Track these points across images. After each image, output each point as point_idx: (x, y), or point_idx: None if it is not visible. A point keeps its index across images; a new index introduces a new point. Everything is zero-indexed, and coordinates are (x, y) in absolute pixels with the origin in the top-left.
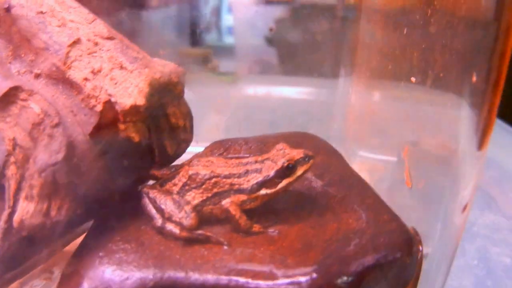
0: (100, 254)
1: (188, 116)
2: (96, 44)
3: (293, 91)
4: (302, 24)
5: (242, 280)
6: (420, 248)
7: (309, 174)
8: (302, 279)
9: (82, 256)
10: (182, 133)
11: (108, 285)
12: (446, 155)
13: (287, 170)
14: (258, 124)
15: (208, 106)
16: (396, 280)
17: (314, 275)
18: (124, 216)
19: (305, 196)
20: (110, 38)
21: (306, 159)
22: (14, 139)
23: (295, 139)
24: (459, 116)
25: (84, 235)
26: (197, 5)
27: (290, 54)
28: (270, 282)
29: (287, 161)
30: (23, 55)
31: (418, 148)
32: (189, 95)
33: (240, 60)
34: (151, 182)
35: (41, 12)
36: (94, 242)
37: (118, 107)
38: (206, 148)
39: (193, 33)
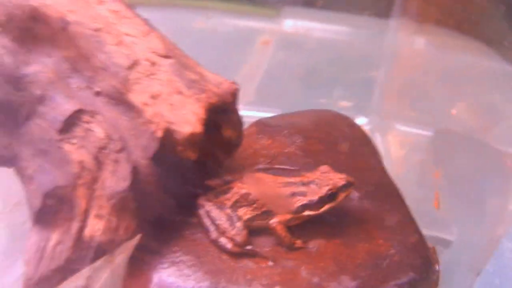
0: (161, 265)
1: (238, 124)
2: (153, 64)
3: (336, 30)
4: None
5: None
6: (437, 268)
7: None
8: None
9: (140, 267)
10: (234, 141)
11: None
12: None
13: (330, 196)
14: (294, 72)
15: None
16: None
17: None
18: (179, 226)
19: (343, 209)
20: (166, 57)
21: (347, 185)
22: (81, 161)
23: (326, 129)
24: None
25: None
26: None
27: None
28: None
29: (330, 190)
30: (81, 70)
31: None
32: None
33: None
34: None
35: (98, 30)
36: (149, 252)
37: (177, 136)
38: (250, 127)
39: None
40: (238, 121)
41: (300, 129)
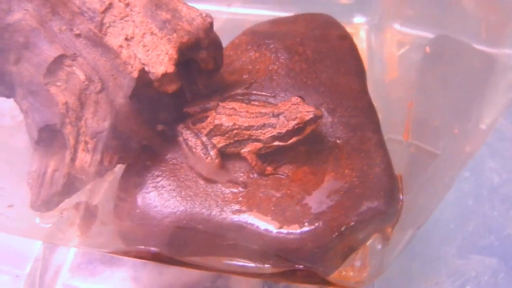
0: (144, 190)
1: (217, 52)
2: (127, 5)
3: None
4: None
5: (249, 223)
6: (401, 197)
7: (323, 107)
8: (298, 231)
9: (127, 190)
10: (211, 70)
11: (150, 220)
12: None
13: (297, 130)
14: None
15: None
16: (376, 229)
17: (305, 228)
18: (160, 152)
19: (315, 135)
20: None
21: (315, 119)
22: (66, 103)
23: (313, 43)
24: None
25: None
26: None
27: None
28: (269, 229)
29: (297, 124)
30: (61, 13)
31: None
32: None
33: None
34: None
35: None
36: (135, 177)
37: (151, 76)
38: (241, 35)
39: None
40: (214, 51)
41: (287, 43)
